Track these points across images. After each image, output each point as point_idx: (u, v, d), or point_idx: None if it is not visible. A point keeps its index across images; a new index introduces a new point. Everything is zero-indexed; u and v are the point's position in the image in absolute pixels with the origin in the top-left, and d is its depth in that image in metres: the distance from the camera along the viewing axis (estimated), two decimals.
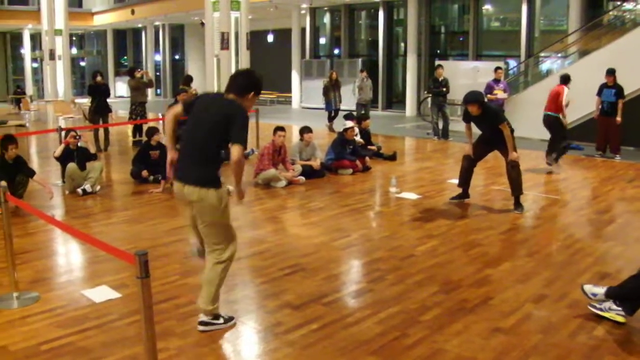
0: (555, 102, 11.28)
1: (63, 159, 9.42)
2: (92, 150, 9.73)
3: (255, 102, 4.79)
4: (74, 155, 9.36)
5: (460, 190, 8.80)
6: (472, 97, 8.12)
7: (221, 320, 4.67)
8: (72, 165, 9.21)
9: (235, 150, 4.32)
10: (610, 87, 12.69)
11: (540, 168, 11.38)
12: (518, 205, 8.32)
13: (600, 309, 4.78)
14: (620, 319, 4.67)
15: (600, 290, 4.90)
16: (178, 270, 5.88)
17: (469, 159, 8.59)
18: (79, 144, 9.50)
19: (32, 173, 8.38)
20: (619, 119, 12.54)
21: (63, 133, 9.79)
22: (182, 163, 4.61)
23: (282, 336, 4.50)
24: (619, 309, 4.68)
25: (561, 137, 11.34)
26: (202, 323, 4.63)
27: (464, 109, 8.44)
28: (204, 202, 4.41)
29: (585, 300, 4.96)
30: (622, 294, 4.71)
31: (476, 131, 8.50)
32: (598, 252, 6.57)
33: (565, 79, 11.50)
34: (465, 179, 8.69)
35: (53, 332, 4.54)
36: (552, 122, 11.35)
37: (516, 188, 8.31)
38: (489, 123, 8.18)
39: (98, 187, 9.41)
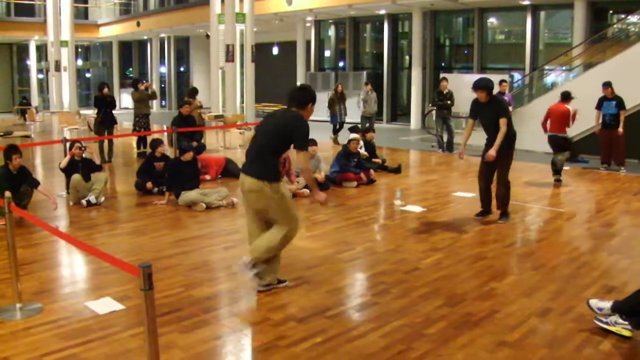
0: (563, 122, 11.21)
1: (68, 170, 9.42)
2: (97, 161, 9.71)
3: (313, 111, 5.56)
4: (78, 167, 9.37)
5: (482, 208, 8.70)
6: (482, 83, 8.11)
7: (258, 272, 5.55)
8: (76, 177, 9.22)
9: (300, 157, 5.33)
10: (610, 99, 12.68)
11: (544, 182, 11.36)
12: (503, 215, 8.38)
13: (607, 323, 4.75)
14: (627, 333, 4.64)
15: (606, 304, 4.87)
16: (182, 283, 5.86)
17: (485, 181, 8.45)
18: (83, 155, 9.51)
19: (36, 184, 8.38)
20: (620, 130, 12.51)
21: (68, 144, 9.80)
22: (247, 160, 5.53)
23: (286, 349, 4.48)
24: (626, 323, 4.65)
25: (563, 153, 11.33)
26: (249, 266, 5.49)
27: (472, 102, 8.39)
28: (261, 192, 5.30)
29: (591, 314, 4.93)
30: (628, 308, 4.68)
31: (478, 143, 8.45)
32: (604, 266, 6.54)
33: (567, 97, 11.38)
34: (485, 200, 8.55)
35: (56, 344, 4.52)
36: (561, 142, 11.32)
37: (502, 204, 8.37)
38: (494, 114, 8.07)
39: (102, 199, 9.41)
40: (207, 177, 11.22)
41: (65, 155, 9.66)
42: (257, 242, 5.50)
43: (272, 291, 5.64)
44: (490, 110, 8.12)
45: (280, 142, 5.38)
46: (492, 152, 8.00)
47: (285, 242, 5.54)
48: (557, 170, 11.29)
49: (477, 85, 8.12)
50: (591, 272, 6.29)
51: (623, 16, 17.74)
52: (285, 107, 5.57)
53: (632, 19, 16.83)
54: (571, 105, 11.26)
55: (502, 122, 8.00)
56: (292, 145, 5.40)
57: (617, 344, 4.57)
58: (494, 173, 8.39)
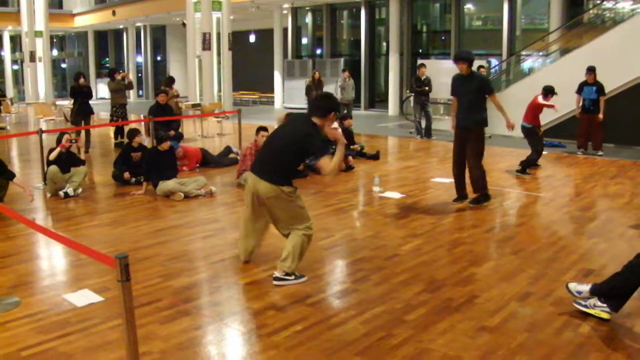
0: (529, 112, 10.97)
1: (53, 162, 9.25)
2: (82, 156, 9.56)
3: (334, 119, 5.82)
4: (62, 159, 9.23)
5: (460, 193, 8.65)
6: (463, 55, 8.12)
7: (292, 277, 5.50)
8: (53, 168, 9.09)
9: (322, 164, 5.28)
10: (591, 84, 12.76)
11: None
12: (479, 200, 8.36)
13: (585, 306, 4.78)
14: (605, 316, 4.68)
15: (585, 287, 4.90)
16: (160, 273, 5.82)
17: (458, 166, 8.42)
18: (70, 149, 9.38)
19: (12, 175, 8.25)
20: (601, 115, 12.62)
21: (57, 135, 9.60)
22: (260, 162, 5.62)
23: (266, 338, 4.47)
24: (604, 305, 4.68)
25: (535, 149, 10.96)
26: (275, 278, 5.48)
27: (452, 79, 8.37)
28: (278, 198, 5.40)
29: (570, 297, 4.96)
30: (606, 291, 4.71)
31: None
32: (582, 249, 6.59)
33: (547, 91, 11.03)
34: (459, 185, 8.51)
35: (34, 338, 4.46)
36: (525, 131, 11.03)
37: (478, 187, 8.32)
38: (474, 89, 8.07)
39: (80, 190, 9.30)
40: (185, 168, 11.14)
41: (47, 146, 9.46)
42: (285, 254, 5.48)
43: (252, 280, 5.62)
44: (470, 85, 8.11)
45: (296, 154, 5.51)
46: (512, 122, 8.46)
47: (309, 240, 5.63)
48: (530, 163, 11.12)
49: (459, 57, 8.12)
50: (570, 255, 6.33)
51: (599, 2, 17.83)
52: (306, 113, 5.68)
53: (608, 4, 16.92)
54: (547, 100, 11.04)
55: (493, 97, 8.15)
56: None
57: (596, 326, 4.61)
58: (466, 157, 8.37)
